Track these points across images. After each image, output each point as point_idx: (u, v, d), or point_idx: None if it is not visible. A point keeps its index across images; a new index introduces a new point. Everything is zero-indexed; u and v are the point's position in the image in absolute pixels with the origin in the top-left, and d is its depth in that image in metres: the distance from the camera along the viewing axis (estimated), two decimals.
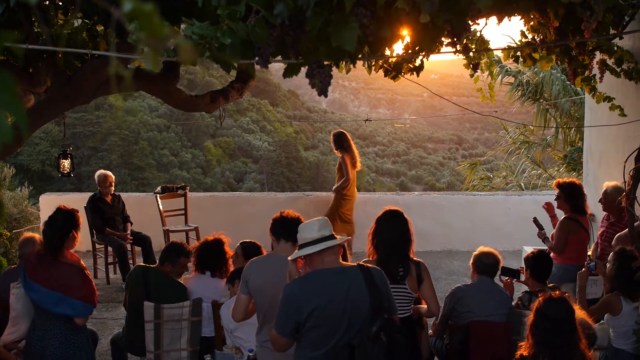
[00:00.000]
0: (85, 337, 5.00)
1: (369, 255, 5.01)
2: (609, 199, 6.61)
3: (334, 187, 10.00)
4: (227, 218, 10.70)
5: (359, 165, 10.07)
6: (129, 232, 9.16)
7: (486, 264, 5.43)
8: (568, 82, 14.11)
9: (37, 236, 5.98)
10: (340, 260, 3.87)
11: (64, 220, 4.92)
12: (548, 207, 7.09)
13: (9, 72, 5.16)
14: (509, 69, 15.05)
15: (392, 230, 4.88)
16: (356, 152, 10.05)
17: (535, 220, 6.99)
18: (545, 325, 3.80)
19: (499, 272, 5.72)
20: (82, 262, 5.05)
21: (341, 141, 9.90)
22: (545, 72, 14.34)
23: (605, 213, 6.84)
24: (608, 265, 5.26)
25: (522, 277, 5.75)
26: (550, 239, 6.85)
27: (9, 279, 5.34)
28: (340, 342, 3.69)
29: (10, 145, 5.37)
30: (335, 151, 10.06)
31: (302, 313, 3.67)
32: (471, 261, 5.58)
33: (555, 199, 6.94)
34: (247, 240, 5.69)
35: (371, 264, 4.77)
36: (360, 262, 3.99)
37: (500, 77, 14.86)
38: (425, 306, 5.02)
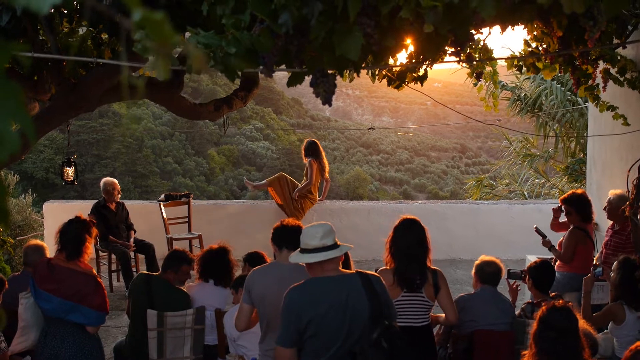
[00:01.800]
0: (98, 344, 5.00)
1: (386, 264, 5.01)
2: (613, 207, 6.61)
3: (295, 190, 10.28)
4: (230, 226, 10.69)
5: (327, 175, 10.57)
6: (132, 240, 9.17)
7: (489, 273, 5.43)
8: (569, 92, 14.15)
9: (43, 244, 5.99)
10: (340, 268, 3.87)
11: (83, 228, 4.93)
12: (555, 210, 7.12)
13: (14, 80, 5.19)
14: (505, 84, 15.17)
15: (410, 238, 4.89)
16: (326, 162, 10.56)
17: (537, 229, 6.99)
18: (548, 335, 3.79)
19: (505, 277, 5.72)
20: (94, 271, 5.04)
21: (312, 149, 10.40)
22: (545, 84, 14.39)
23: (610, 222, 6.84)
24: (612, 274, 5.25)
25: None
26: (556, 247, 6.85)
27: (15, 287, 5.33)
28: (341, 349, 3.69)
29: (16, 153, 5.39)
30: (304, 158, 10.48)
31: (302, 321, 3.67)
32: (473, 271, 5.58)
33: (565, 215, 6.95)
34: (252, 251, 5.70)
35: (389, 273, 4.80)
36: (360, 270, 3.99)
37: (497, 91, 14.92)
38: (443, 315, 5.03)
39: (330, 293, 3.70)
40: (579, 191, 7.04)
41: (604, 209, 6.80)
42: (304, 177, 10.37)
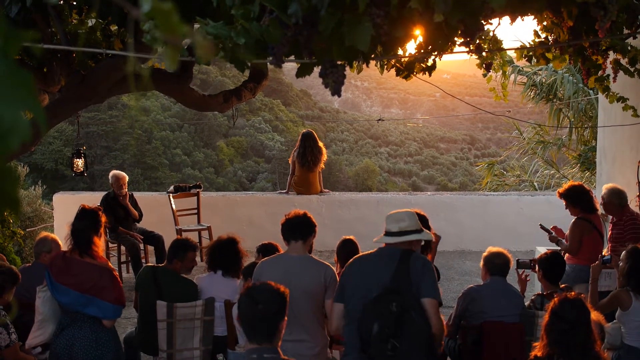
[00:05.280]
0: (114, 337, 4.99)
1: None
2: (606, 202, 6.72)
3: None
4: (239, 217, 10.71)
5: (316, 168, 10.73)
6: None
7: (498, 264, 5.43)
8: (581, 85, 14.03)
9: (54, 236, 6.01)
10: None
11: (91, 220, 4.90)
12: (556, 231, 7.10)
13: None
14: (521, 69, 15.00)
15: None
16: (320, 155, 10.64)
17: (542, 226, 6.99)
18: (560, 326, 3.79)
19: (514, 267, 5.72)
20: (109, 264, 5.04)
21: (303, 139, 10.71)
22: (557, 75, 14.28)
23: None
24: (621, 263, 5.25)
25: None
26: (564, 241, 6.84)
27: (25, 279, 5.34)
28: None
29: (27, 143, 5.41)
30: None
31: None
32: (482, 262, 5.57)
33: (565, 208, 6.95)
34: (266, 242, 5.72)
35: None
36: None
37: (513, 76, 14.82)
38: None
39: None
40: (577, 183, 7.05)
41: (600, 204, 6.84)
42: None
